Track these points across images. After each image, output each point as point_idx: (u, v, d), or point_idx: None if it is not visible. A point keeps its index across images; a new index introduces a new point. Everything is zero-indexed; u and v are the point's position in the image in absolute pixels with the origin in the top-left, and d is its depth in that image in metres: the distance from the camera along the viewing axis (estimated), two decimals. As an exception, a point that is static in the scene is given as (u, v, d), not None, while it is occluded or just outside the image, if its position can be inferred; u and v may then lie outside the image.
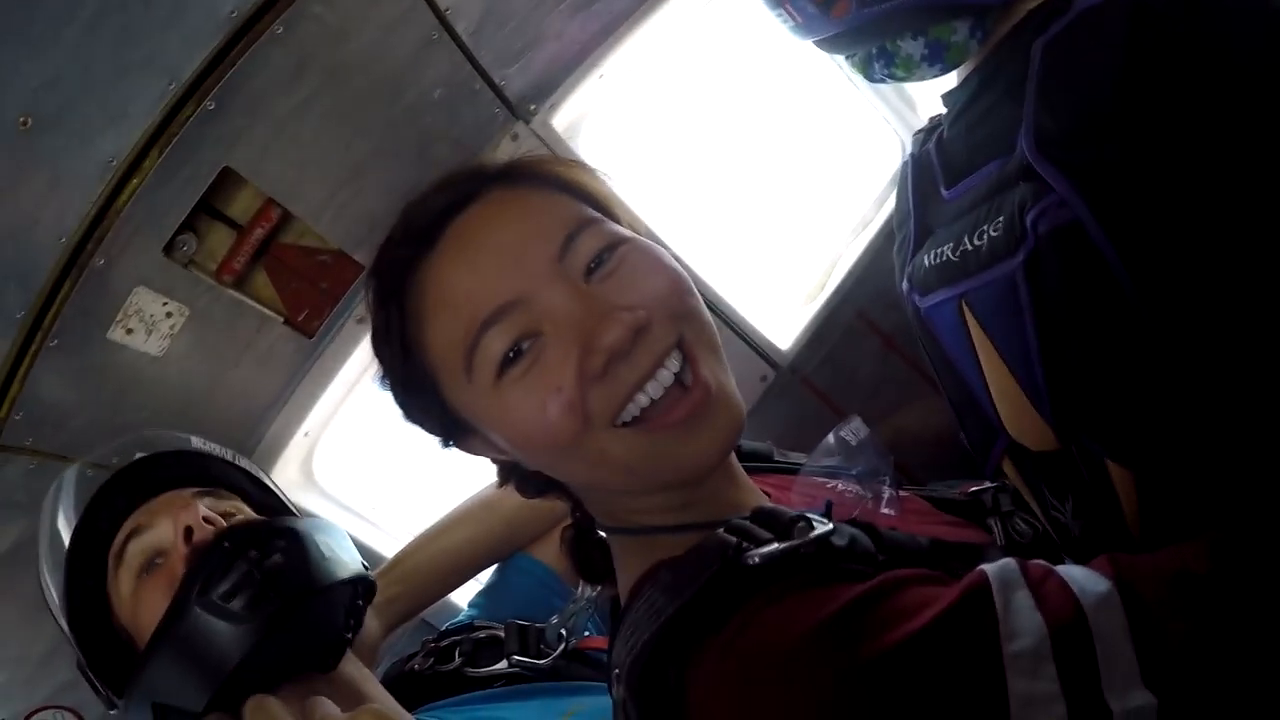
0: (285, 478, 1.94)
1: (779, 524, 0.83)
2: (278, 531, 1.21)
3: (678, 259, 0.91)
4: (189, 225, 1.60)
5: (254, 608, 1.12)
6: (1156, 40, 0.90)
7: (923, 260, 1.18)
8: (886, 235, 2.21)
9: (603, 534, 1.02)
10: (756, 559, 0.78)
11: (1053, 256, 0.95)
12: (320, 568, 1.20)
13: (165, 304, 1.61)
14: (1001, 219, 1.00)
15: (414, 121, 1.80)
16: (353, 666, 1.27)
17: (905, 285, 1.24)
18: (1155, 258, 0.90)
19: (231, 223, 1.67)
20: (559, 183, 0.94)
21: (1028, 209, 0.96)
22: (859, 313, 2.29)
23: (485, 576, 1.68)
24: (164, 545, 1.22)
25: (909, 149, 1.29)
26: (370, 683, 1.30)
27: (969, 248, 1.06)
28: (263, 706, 0.96)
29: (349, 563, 1.25)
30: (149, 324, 1.60)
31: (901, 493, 1.08)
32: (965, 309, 1.11)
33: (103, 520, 1.28)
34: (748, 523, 0.84)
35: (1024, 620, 0.72)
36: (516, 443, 0.89)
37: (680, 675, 0.78)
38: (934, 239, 1.16)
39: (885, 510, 0.97)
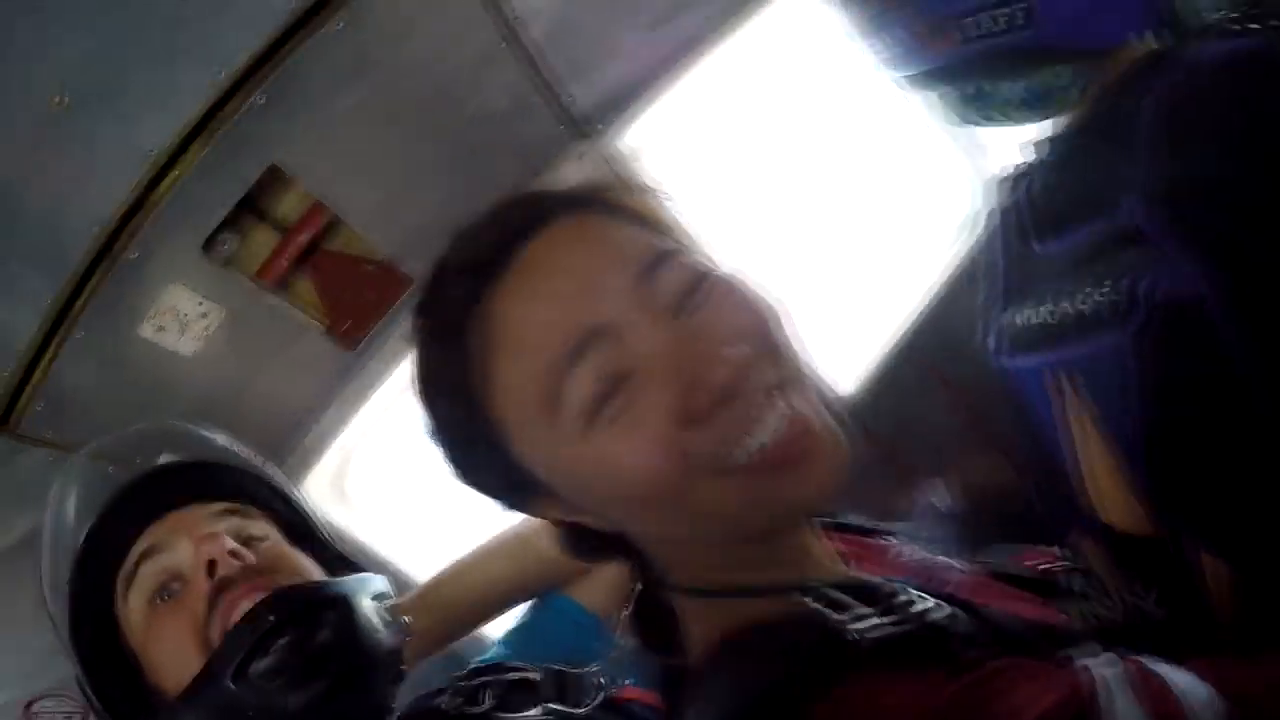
0: (316, 491, 1.88)
1: (877, 597, 0.78)
2: (326, 601, 1.11)
3: (764, 295, 0.83)
4: (231, 223, 1.54)
5: (297, 689, 1.03)
6: (1273, 95, 0.85)
7: (1013, 318, 1.12)
8: (956, 284, 2.11)
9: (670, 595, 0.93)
10: (865, 637, 0.73)
11: (1166, 331, 0.90)
12: (369, 642, 1.11)
13: (201, 303, 1.56)
14: (1108, 284, 0.95)
15: (474, 132, 1.73)
16: None
17: (990, 342, 1.17)
18: (1277, 338, 0.84)
19: (277, 224, 1.61)
20: (631, 213, 0.86)
21: (1140, 277, 0.90)
22: (924, 363, 2.18)
23: (518, 612, 1.59)
24: (182, 569, 1.12)
25: (993, 196, 1.22)
26: None
27: (1070, 312, 1.00)
28: None
29: (395, 628, 1.17)
30: (182, 322, 1.55)
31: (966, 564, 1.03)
32: (1061, 378, 1.05)
33: (115, 532, 1.18)
34: (840, 593, 0.78)
35: None
36: (607, 494, 0.81)
37: None
38: (1026, 296, 1.10)
39: (968, 584, 0.90)
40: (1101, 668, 0.71)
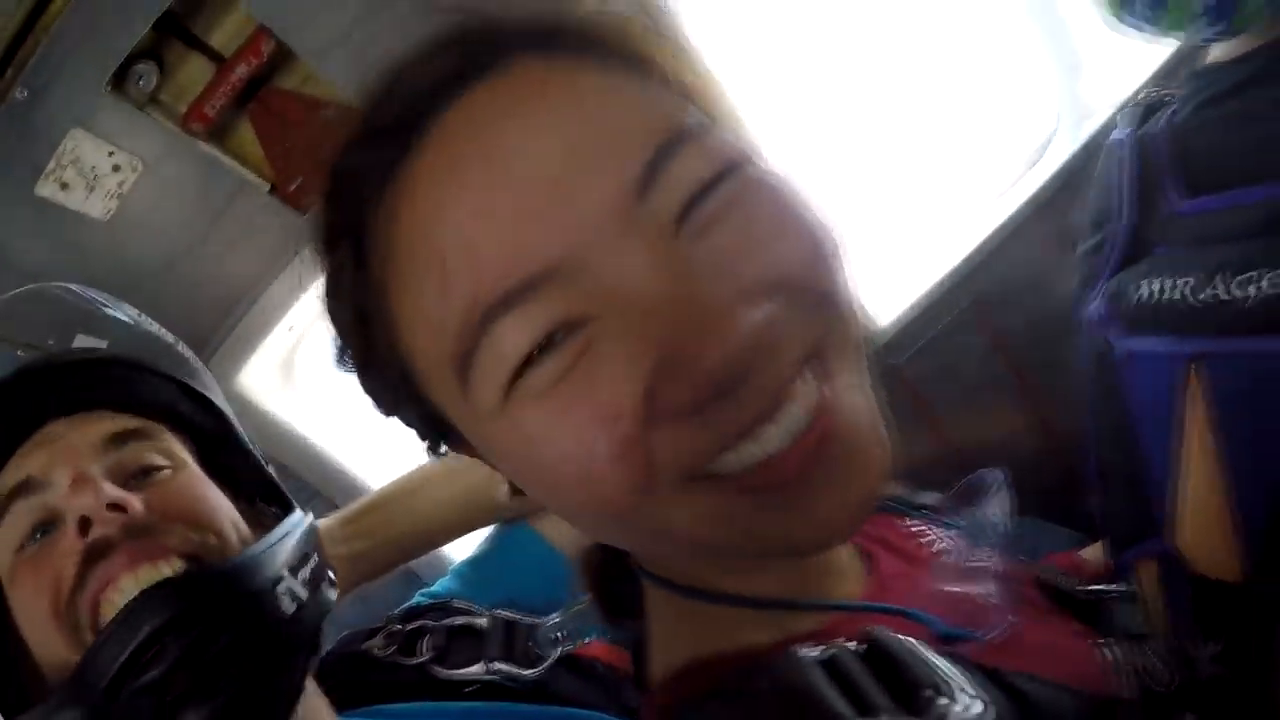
0: (261, 378, 1.66)
1: (901, 687, 0.53)
2: (227, 593, 0.87)
3: (814, 209, 0.55)
4: (150, 52, 1.25)
5: (189, 706, 0.82)
6: None
7: (1136, 286, 0.97)
8: (1026, 217, 1.91)
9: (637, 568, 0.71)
10: None
11: None
12: (282, 635, 0.89)
13: (112, 154, 1.29)
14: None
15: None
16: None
17: (1100, 307, 1.01)
18: None
19: (211, 53, 1.32)
20: (639, 61, 0.57)
21: None
22: (974, 302, 1.97)
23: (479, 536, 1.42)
24: (60, 510, 0.88)
25: (1120, 125, 1.07)
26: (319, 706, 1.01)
27: (1223, 295, 0.87)
28: None
29: (320, 600, 0.95)
30: (89, 178, 1.28)
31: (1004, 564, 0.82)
32: (1193, 375, 0.91)
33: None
34: (856, 660, 0.55)
35: None
36: (535, 490, 0.58)
37: None
38: (1157, 262, 0.96)
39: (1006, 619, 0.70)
40: None
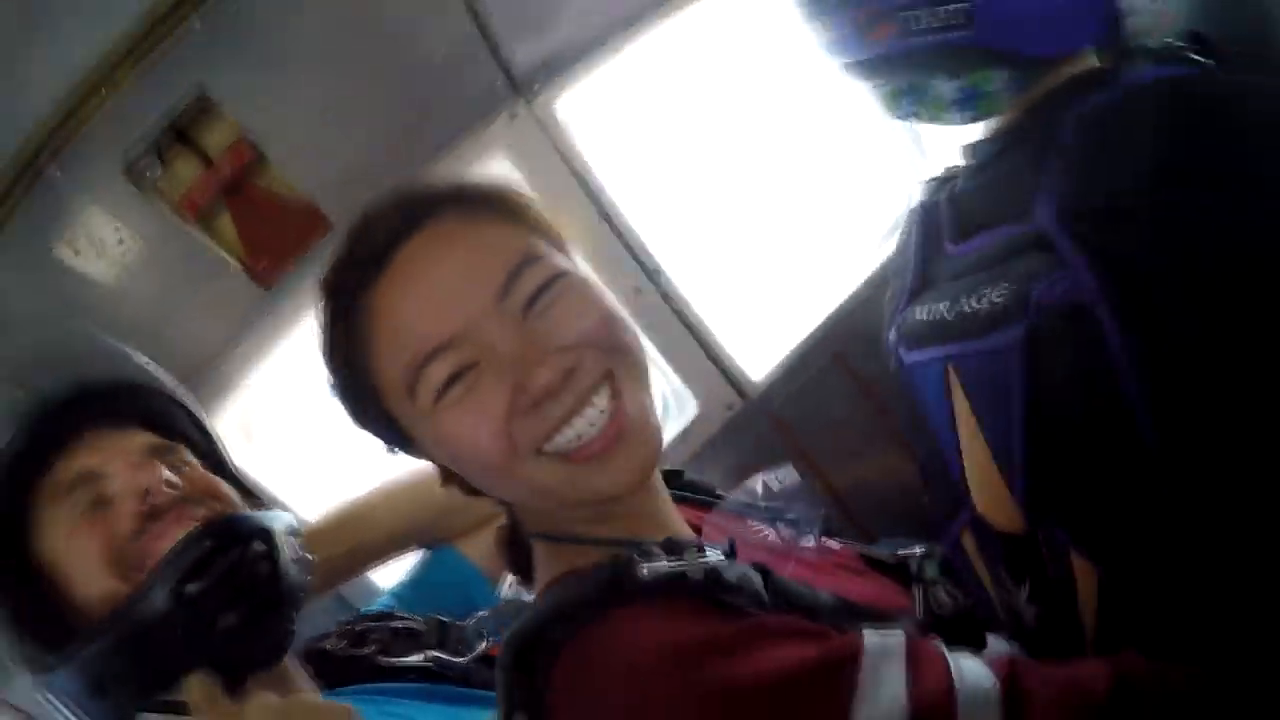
0: (224, 429, 1.81)
1: (677, 548, 0.88)
2: (254, 531, 1.19)
3: (608, 297, 0.95)
4: (156, 150, 1.50)
5: (224, 611, 1.12)
6: (1190, 127, 0.87)
7: (914, 313, 1.14)
8: (878, 283, 2.15)
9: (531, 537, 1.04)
10: (645, 572, 0.83)
11: (1053, 335, 0.92)
12: (288, 572, 1.20)
13: (117, 229, 1.52)
14: (1006, 285, 0.97)
15: (411, 80, 1.72)
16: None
17: (892, 335, 1.20)
18: (1162, 359, 0.86)
19: (202, 155, 1.57)
20: (508, 210, 0.96)
21: (1037, 281, 0.93)
22: (835, 354, 2.22)
23: (407, 564, 1.63)
24: (112, 492, 1.16)
25: (918, 196, 1.24)
26: (300, 674, 1.28)
27: (966, 309, 1.03)
28: (202, 684, 1.08)
29: (305, 563, 1.25)
30: (99, 247, 1.51)
31: (835, 545, 1.12)
32: (951, 373, 1.08)
33: (40, 445, 1.18)
34: (654, 546, 0.88)
35: (886, 693, 0.74)
36: (452, 462, 0.96)
37: (551, 657, 0.84)
38: (931, 293, 1.13)
39: (799, 558, 1.01)
40: (882, 637, 0.79)
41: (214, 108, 1.52)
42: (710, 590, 0.83)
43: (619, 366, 0.90)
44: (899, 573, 1.10)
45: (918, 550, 1.12)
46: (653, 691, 0.77)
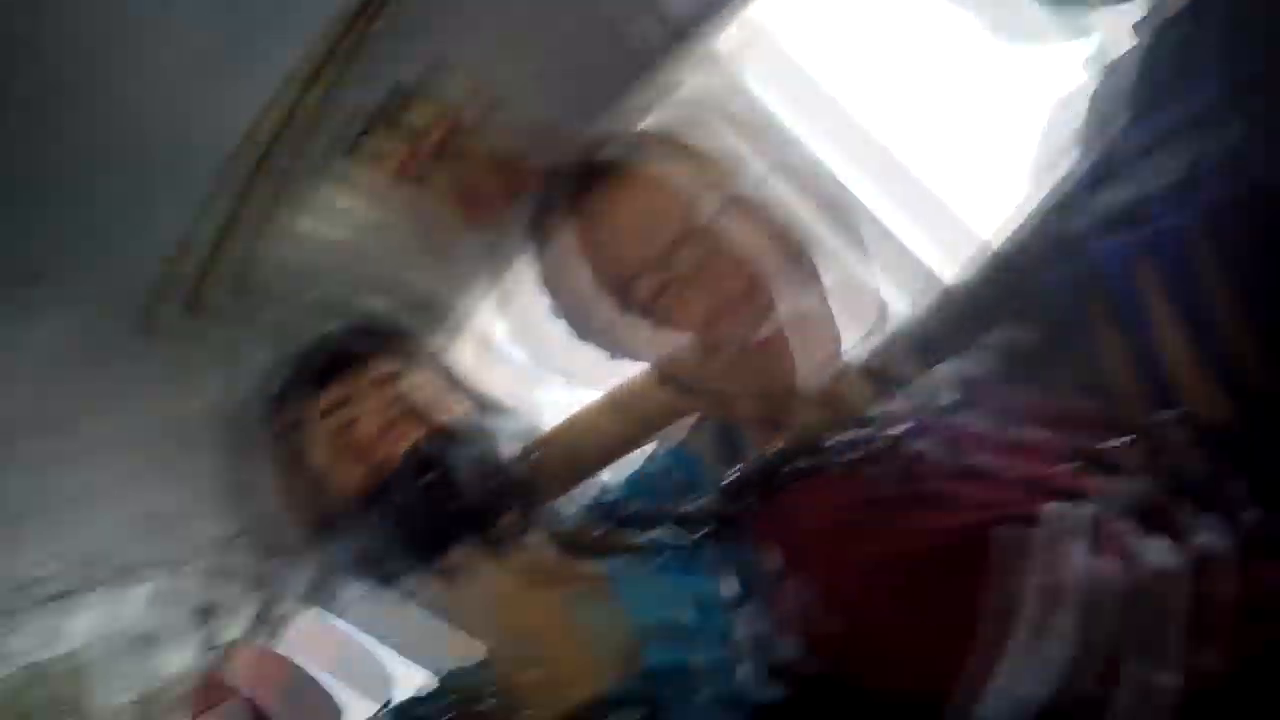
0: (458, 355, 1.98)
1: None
2: (476, 433, 1.44)
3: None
4: (374, 127, 1.73)
5: (453, 497, 1.37)
6: None
7: (1100, 201, 1.14)
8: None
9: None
10: (834, 448, 0.98)
11: (1235, 214, 0.93)
12: (507, 466, 1.44)
13: (348, 198, 1.76)
14: (1181, 164, 0.97)
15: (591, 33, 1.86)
16: None
17: (1081, 225, 1.18)
18: None
19: (411, 128, 1.78)
20: (686, 151, 1.15)
21: (1210, 158, 0.94)
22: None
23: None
24: (361, 412, 1.43)
25: (1092, 82, 1.23)
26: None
27: (1150, 191, 1.03)
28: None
29: (526, 459, 1.49)
30: (335, 216, 1.76)
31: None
32: (1141, 258, 1.07)
33: (307, 379, 1.48)
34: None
35: (1063, 562, 0.76)
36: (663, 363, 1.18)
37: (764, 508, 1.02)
38: (1112, 179, 1.12)
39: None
40: (1071, 511, 0.80)
41: (420, 86, 1.73)
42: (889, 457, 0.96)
43: (790, 276, 1.08)
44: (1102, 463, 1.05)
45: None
46: (846, 544, 0.90)
